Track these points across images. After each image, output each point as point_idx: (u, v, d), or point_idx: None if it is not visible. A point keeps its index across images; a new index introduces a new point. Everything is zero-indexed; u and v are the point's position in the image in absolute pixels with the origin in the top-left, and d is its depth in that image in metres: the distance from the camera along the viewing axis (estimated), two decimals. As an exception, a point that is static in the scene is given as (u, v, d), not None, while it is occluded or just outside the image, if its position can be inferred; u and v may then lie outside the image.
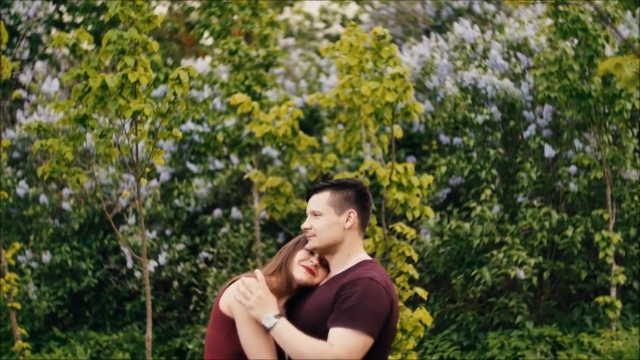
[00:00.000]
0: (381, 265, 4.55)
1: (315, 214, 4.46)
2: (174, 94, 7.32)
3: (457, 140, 11.56)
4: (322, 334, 4.21)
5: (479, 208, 10.65)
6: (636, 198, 10.35)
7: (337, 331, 4.18)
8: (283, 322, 4.24)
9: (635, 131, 10.53)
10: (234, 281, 4.45)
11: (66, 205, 12.73)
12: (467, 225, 10.69)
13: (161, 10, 19.50)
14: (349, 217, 4.45)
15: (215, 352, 4.40)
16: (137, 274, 12.39)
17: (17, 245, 9.68)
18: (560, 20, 9.77)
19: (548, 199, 11.03)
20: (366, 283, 4.23)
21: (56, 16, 15.68)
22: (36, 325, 12.50)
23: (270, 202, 9.22)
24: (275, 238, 12.72)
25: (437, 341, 10.71)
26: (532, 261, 10.24)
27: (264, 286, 4.30)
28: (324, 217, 4.44)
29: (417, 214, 8.32)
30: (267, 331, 4.24)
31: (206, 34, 12.65)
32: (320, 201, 4.48)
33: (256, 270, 4.43)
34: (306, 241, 4.49)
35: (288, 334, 4.21)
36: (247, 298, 4.26)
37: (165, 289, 12.68)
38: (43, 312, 12.39)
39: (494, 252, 10.40)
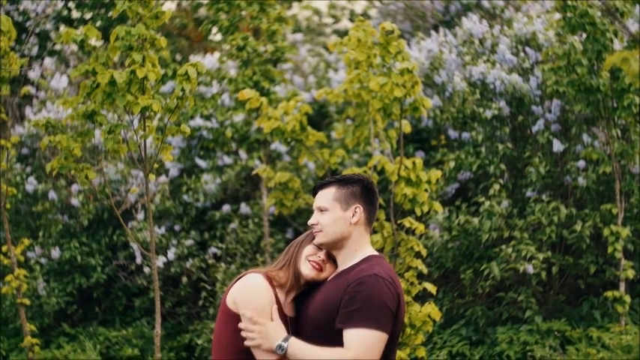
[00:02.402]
0: (387, 261, 4.55)
1: (321, 210, 4.47)
2: (183, 89, 7.32)
3: (465, 135, 11.55)
4: (330, 330, 4.22)
5: (487, 203, 10.64)
6: (645, 192, 10.35)
7: (351, 333, 4.17)
8: (293, 343, 4.21)
9: (644, 125, 10.52)
10: (241, 277, 4.46)
11: (75, 201, 12.75)
12: (475, 220, 10.68)
13: (169, 6, 19.53)
14: (355, 212, 4.45)
15: (222, 348, 4.40)
16: (146, 269, 12.41)
17: (26, 241, 9.70)
18: (569, 15, 9.75)
19: (557, 193, 11.01)
20: (372, 280, 4.23)
21: (65, 13, 15.71)
22: (45, 321, 12.54)
23: (278, 198, 9.22)
24: (284, 234, 12.73)
25: (446, 336, 10.71)
26: (541, 256, 10.22)
27: (261, 317, 4.26)
28: (330, 213, 4.44)
29: (425, 209, 8.32)
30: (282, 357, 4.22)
31: (214, 29, 12.66)
32: (326, 197, 4.48)
33: (245, 314, 4.32)
34: (314, 237, 4.50)
35: (302, 352, 4.19)
36: (251, 338, 4.24)
37: (174, 284, 12.70)
38: (52, 308, 12.42)
39: (503, 247, 10.39)
